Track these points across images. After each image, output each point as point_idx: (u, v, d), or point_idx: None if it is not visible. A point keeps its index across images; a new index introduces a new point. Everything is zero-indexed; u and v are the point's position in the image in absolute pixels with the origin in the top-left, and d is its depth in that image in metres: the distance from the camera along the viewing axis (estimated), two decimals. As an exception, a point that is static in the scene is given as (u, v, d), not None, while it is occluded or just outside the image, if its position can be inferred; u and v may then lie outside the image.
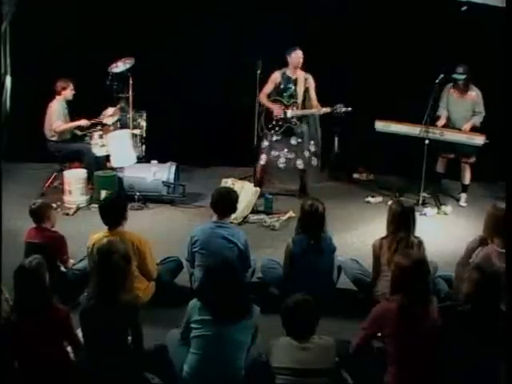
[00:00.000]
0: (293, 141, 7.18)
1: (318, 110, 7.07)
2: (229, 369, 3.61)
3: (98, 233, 4.68)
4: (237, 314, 3.62)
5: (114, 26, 7.65)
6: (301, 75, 7.09)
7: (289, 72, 7.08)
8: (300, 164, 7.20)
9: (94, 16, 7.77)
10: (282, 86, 7.09)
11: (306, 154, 7.20)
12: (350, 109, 6.95)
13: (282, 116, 7.06)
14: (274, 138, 7.15)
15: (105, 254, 3.76)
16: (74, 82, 7.26)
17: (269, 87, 7.13)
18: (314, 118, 7.28)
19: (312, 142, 7.26)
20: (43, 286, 3.63)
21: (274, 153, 7.18)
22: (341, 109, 6.95)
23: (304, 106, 7.16)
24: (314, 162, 7.28)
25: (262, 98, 7.11)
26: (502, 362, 3.47)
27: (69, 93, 7.26)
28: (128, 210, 4.85)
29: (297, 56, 6.97)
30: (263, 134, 7.19)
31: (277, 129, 7.14)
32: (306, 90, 7.12)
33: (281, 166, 7.21)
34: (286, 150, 7.17)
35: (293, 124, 7.12)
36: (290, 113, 7.09)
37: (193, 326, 3.65)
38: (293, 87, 7.09)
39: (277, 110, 7.07)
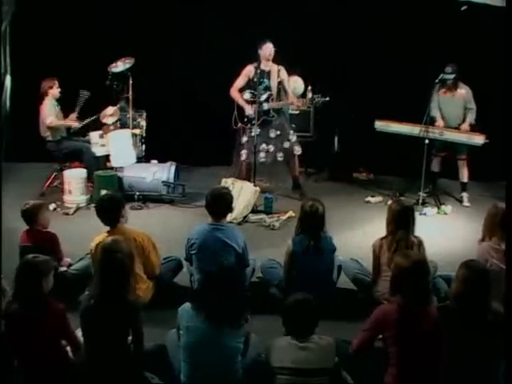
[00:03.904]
0: (272, 134, 7.14)
1: (294, 101, 7.11)
2: (224, 373, 3.58)
3: (101, 234, 4.64)
4: (232, 321, 3.58)
5: (114, 26, 7.65)
6: (274, 68, 7.07)
7: (262, 65, 6.99)
8: (281, 156, 7.18)
9: (93, 15, 7.78)
10: (255, 80, 6.99)
11: (287, 145, 7.17)
12: (327, 98, 6.95)
13: (256, 111, 6.91)
14: (253, 133, 6.99)
15: (109, 252, 3.75)
16: (59, 80, 7.23)
17: (241, 81, 7.10)
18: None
19: (291, 132, 7.23)
20: (39, 282, 3.60)
21: (253, 147, 7.00)
22: (319, 99, 6.95)
23: (279, 99, 7.13)
24: (297, 151, 7.21)
25: (234, 92, 7.08)
26: (500, 360, 3.47)
27: (55, 91, 7.24)
28: (124, 207, 4.81)
29: (267, 48, 6.94)
30: (240, 128, 7.13)
31: (253, 122, 7.01)
32: (280, 83, 7.09)
33: (261, 160, 7.12)
34: (264, 144, 7.11)
35: (270, 117, 7.09)
36: (266, 105, 7.04)
37: (181, 332, 3.62)
38: (267, 80, 7.05)
39: (248, 111, 7.01)
